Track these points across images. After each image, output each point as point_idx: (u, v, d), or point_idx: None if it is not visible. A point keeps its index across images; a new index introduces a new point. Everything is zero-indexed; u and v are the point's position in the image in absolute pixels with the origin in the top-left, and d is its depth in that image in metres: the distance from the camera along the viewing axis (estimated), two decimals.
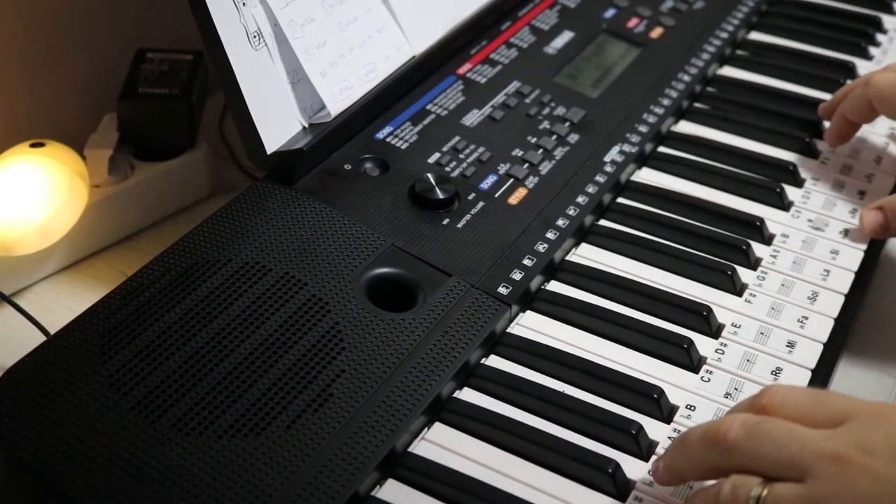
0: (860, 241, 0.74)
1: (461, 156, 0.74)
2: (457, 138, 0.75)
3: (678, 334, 0.65)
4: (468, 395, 0.61)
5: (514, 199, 0.72)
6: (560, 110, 0.80)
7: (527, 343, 0.64)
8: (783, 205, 0.77)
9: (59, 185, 0.73)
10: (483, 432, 0.58)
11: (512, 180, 0.73)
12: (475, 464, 0.56)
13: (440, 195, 0.69)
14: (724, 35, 0.95)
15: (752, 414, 0.52)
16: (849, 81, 0.91)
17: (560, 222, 0.71)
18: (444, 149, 0.74)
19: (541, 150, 0.76)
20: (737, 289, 0.69)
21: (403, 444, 0.56)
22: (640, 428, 0.58)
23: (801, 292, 0.70)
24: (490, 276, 0.66)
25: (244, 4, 0.68)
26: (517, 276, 0.66)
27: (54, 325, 0.64)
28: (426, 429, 0.58)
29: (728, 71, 0.93)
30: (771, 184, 0.78)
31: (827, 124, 0.85)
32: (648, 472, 0.56)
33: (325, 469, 0.53)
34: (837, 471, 0.46)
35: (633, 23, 0.93)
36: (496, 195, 0.72)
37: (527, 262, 0.67)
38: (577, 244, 0.72)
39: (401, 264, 0.65)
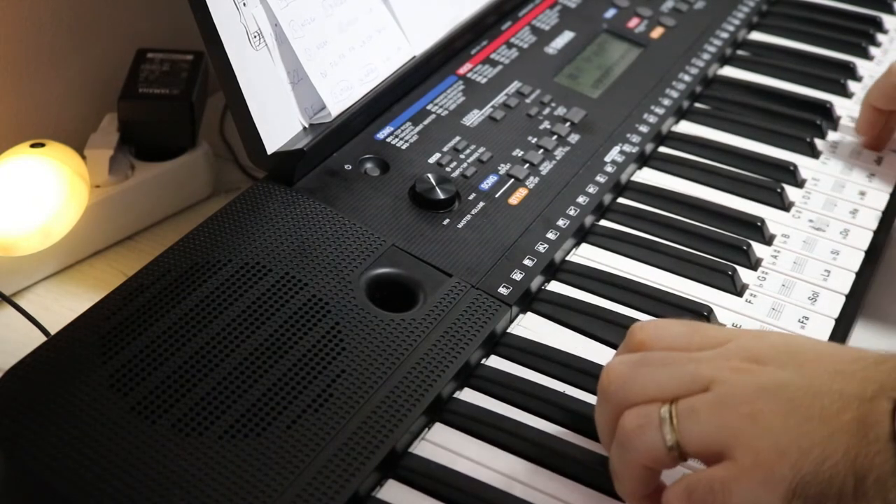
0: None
1: (461, 156, 0.74)
2: (457, 138, 0.75)
3: None
4: (469, 395, 0.61)
5: (514, 200, 0.72)
6: (560, 110, 0.80)
7: (527, 343, 0.64)
8: (784, 205, 0.77)
9: (60, 186, 0.72)
10: (483, 433, 0.58)
11: (512, 180, 0.73)
12: (475, 464, 0.56)
13: (440, 195, 0.69)
14: (725, 35, 0.95)
15: (630, 353, 0.54)
16: (850, 82, 0.92)
17: (560, 222, 0.71)
18: (445, 149, 0.74)
19: (541, 151, 0.76)
20: (737, 289, 0.69)
21: (404, 444, 0.56)
22: None
23: (802, 293, 0.70)
24: (490, 276, 0.65)
25: (244, 4, 0.68)
26: (518, 276, 0.66)
27: (54, 325, 0.64)
28: (426, 429, 0.58)
29: (728, 71, 0.93)
30: (771, 184, 0.78)
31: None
32: None
33: (325, 469, 0.53)
34: (739, 377, 0.49)
35: (633, 23, 0.93)
36: (497, 195, 0.72)
37: (527, 262, 0.67)
38: (577, 244, 0.72)
39: (401, 264, 0.65)
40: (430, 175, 0.70)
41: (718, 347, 0.52)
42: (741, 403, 0.48)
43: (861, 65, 0.95)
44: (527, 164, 0.74)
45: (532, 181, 0.73)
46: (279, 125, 0.70)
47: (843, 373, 0.49)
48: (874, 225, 0.76)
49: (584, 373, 0.62)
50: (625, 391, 0.52)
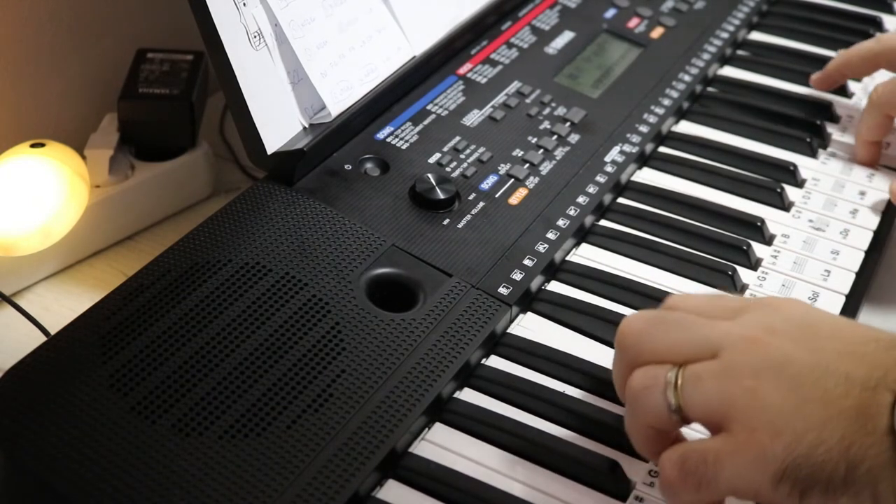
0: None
1: (462, 156, 0.74)
2: (457, 138, 0.75)
3: None
4: (469, 395, 0.61)
5: (514, 200, 0.72)
6: (561, 110, 0.80)
7: (527, 343, 0.64)
8: (784, 205, 0.77)
9: (60, 186, 0.72)
10: (483, 433, 0.58)
11: (512, 180, 0.73)
12: (475, 464, 0.56)
13: (440, 195, 0.69)
14: (725, 35, 0.95)
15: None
16: (850, 82, 0.92)
17: (560, 222, 0.71)
18: (445, 149, 0.74)
19: (541, 151, 0.76)
20: (737, 289, 0.69)
21: (404, 444, 0.56)
22: None
23: (802, 293, 0.69)
24: (490, 276, 0.65)
25: (244, 4, 0.68)
26: (517, 276, 0.66)
27: (54, 325, 0.64)
28: (426, 429, 0.58)
29: (728, 71, 0.93)
30: (771, 184, 0.78)
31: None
32: (649, 473, 0.57)
33: (325, 469, 0.53)
34: (747, 346, 0.50)
35: (633, 23, 0.93)
36: (497, 195, 0.72)
37: (527, 262, 0.67)
38: (577, 244, 0.72)
39: (401, 264, 0.65)
40: (430, 175, 0.70)
41: (738, 315, 0.52)
42: (745, 376, 0.48)
43: None
44: (527, 164, 0.74)
45: (532, 181, 0.73)
46: (279, 125, 0.70)
47: (853, 354, 0.48)
48: (874, 225, 0.76)
49: (584, 373, 0.62)
50: (638, 347, 0.53)
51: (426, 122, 0.76)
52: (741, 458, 0.47)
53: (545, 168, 0.75)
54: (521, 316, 0.66)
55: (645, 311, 0.55)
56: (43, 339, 0.64)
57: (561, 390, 0.61)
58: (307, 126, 0.72)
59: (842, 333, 0.50)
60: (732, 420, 0.48)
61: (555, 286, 0.69)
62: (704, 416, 0.49)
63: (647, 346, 0.52)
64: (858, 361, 0.48)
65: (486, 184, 0.72)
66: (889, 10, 1.04)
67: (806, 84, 0.91)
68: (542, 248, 0.69)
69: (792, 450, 0.46)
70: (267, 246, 0.64)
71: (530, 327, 0.65)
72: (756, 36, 0.99)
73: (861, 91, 0.91)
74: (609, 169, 0.76)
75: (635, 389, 0.51)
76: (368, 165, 0.72)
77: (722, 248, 0.72)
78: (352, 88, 0.74)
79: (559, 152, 0.76)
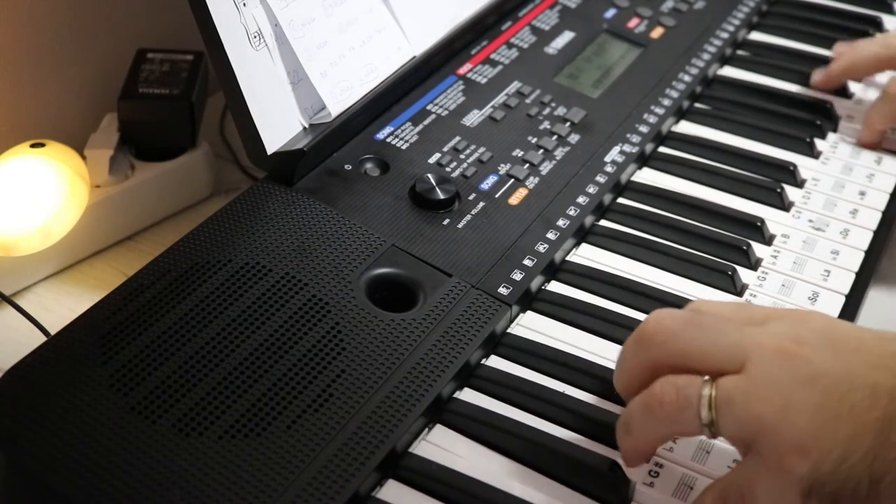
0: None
1: (462, 156, 0.74)
2: (457, 138, 0.75)
3: None
4: (469, 395, 0.61)
5: (514, 200, 0.72)
6: (561, 110, 0.80)
7: (527, 343, 0.64)
8: (783, 205, 0.77)
9: (60, 186, 0.73)
10: (483, 433, 0.58)
11: (512, 180, 0.73)
12: (475, 464, 0.56)
13: (440, 195, 0.69)
14: (725, 35, 0.95)
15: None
16: (850, 82, 0.92)
17: (560, 222, 0.71)
18: (445, 149, 0.74)
19: (541, 151, 0.76)
20: (737, 289, 0.69)
21: (404, 444, 0.56)
22: None
23: (802, 293, 0.70)
24: (490, 276, 0.66)
25: (244, 5, 0.68)
26: (517, 276, 0.66)
27: (54, 325, 0.64)
28: (426, 429, 0.58)
29: (728, 71, 0.93)
30: (771, 184, 0.78)
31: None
32: (649, 473, 0.57)
33: (325, 469, 0.53)
34: (777, 358, 0.49)
35: (633, 23, 0.93)
36: (497, 195, 0.72)
37: (527, 262, 0.67)
38: (577, 244, 0.72)
39: (401, 264, 0.65)
40: (430, 175, 0.70)
41: (765, 323, 0.52)
42: (775, 393, 0.48)
43: None
44: (527, 164, 0.74)
45: (532, 181, 0.73)
46: (279, 125, 0.70)
47: (880, 366, 0.48)
48: (874, 225, 0.76)
49: (585, 373, 0.62)
50: (667, 347, 0.52)
51: (426, 122, 0.76)
52: (772, 485, 0.48)
53: (545, 168, 0.75)
54: (521, 316, 0.66)
55: (673, 310, 0.53)
56: (43, 339, 0.64)
57: (561, 390, 0.61)
58: (307, 126, 0.72)
59: (868, 345, 0.50)
60: (762, 443, 0.48)
61: (555, 286, 0.69)
62: (736, 436, 0.50)
63: (677, 347, 0.51)
64: (886, 372, 0.48)
65: (486, 184, 0.72)
66: (889, 10, 1.04)
67: (806, 84, 0.91)
68: (542, 248, 0.69)
69: (817, 468, 0.46)
70: (267, 246, 0.64)
71: (530, 327, 0.65)
72: (756, 36, 0.99)
73: (861, 91, 0.92)
74: (609, 169, 0.76)
75: (665, 401, 0.51)
76: (368, 165, 0.72)
77: (722, 248, 0.72)
78: (352, 88, 0.74)
79: (559, 152, 0.76)
